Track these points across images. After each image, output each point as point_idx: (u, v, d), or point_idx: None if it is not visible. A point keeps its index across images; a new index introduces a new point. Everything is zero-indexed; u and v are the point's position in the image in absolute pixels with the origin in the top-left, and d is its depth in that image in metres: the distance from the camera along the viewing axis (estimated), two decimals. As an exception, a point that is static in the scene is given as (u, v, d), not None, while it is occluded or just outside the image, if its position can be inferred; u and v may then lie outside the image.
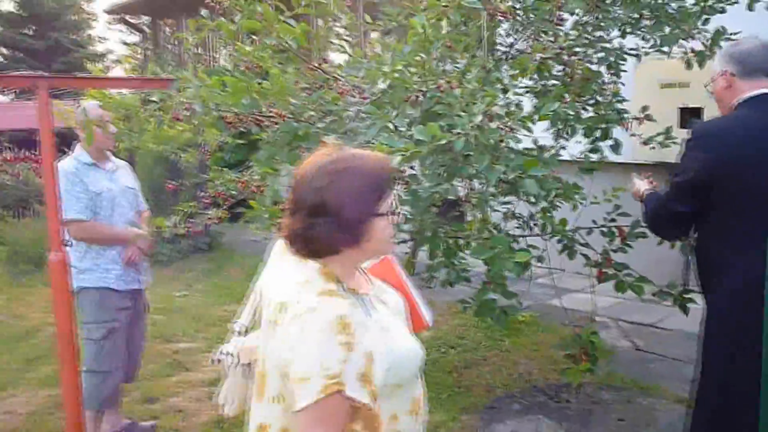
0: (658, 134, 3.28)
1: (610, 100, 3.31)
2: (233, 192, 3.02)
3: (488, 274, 3.08)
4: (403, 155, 2.05)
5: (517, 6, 3.09)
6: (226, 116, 2.61)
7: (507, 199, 3.32)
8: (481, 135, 2.23)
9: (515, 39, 3.34)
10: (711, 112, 5.24)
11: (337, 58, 3.73)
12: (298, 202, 1.48)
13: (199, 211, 3.07)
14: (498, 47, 3.53)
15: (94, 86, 2.38)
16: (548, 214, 3.24)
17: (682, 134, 3.34)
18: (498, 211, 3.52)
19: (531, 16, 3.10)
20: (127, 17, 18.11)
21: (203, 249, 8.20)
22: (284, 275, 1.52)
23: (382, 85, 2.45)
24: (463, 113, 2.24)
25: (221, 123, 2.62)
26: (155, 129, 3.05)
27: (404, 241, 3.65)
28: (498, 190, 2.75)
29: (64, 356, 2.72)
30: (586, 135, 3.25)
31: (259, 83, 2.57)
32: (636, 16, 3.00)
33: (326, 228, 1.44)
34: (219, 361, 1.72)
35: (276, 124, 2.70)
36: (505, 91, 2.53)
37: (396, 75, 2.44)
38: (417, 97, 2.47)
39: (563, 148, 3.33)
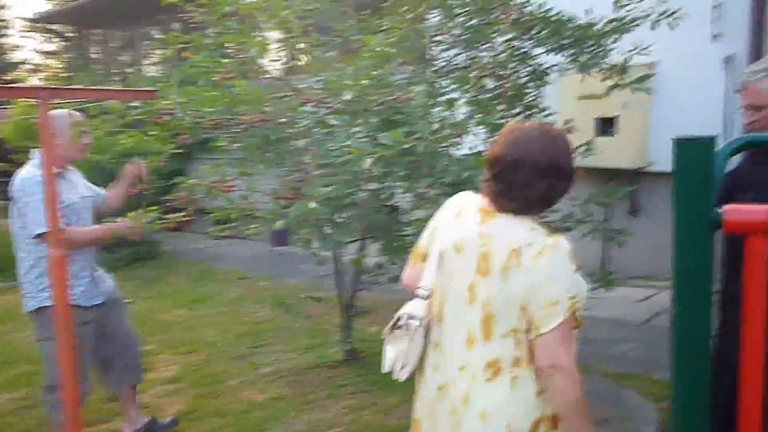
0: (581, 145, 3.68)
1: (537, 112, 3.70)
2: (195, 196, 3.21)
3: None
4: (373, 158, 2.37)
5: (458, 28, 3.46)
6: (202, 121, 2.85)
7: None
8: (435, 141, 2.58)
9: (454, 54, 3.69)
10: (625, 121, 5.84)
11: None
12: (522, 164, 1.72)
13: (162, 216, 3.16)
14: (436, 61, 3.89)
15: (91, 97, 2.57)
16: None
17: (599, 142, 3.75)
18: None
19: (469, 35, 3.47)
20: (52, 26, 17.70)
21: (144, 258, 8.24)
22: (495, 229, 1.76)
23: (346, 96, 2.76)
24: (420, 121, 2.58)
25: (197, 128, 2.86)
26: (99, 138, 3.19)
27: (354, 240, 3.93)
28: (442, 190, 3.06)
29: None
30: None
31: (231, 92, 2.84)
32: (560, 42, 3.39)
33: (563, 186, 1.76)
34: (399, 326, 1.91)
35: (246, 129, 2.95)
36: (451, 103, 2.88)
37: (359, 88, 2.76)
38: (377, 106, 2.79)
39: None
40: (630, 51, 3.57)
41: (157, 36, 15.69)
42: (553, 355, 1.69)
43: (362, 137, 2.56)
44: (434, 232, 1.96)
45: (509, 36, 3.37)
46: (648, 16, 3.53)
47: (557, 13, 3.37)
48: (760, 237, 1.30)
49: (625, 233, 3.65)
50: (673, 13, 3.65)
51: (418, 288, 1.94)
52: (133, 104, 2.85)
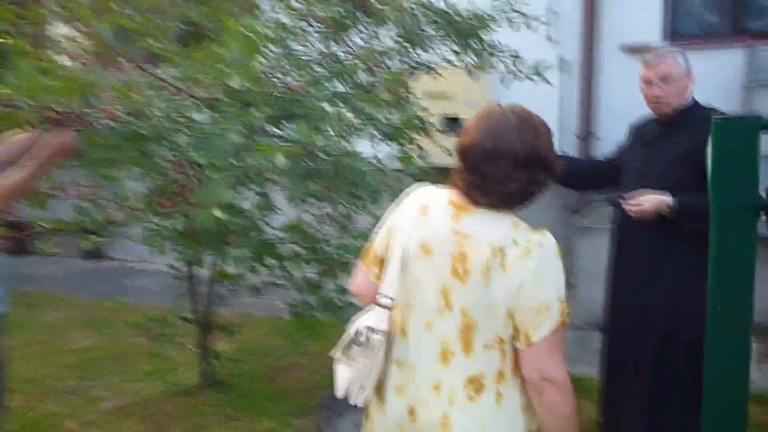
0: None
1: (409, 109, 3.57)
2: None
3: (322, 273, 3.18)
4: (284, 155, 2.04)
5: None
6: (51, 114, 2.32)
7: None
8: (341, 136, 2.31)
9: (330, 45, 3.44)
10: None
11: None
12: (500, 154, 1.50)
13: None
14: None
15: None
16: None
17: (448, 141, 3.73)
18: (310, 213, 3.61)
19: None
20: None
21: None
22: (472, 226, 1.54)
23: (235, 84, 2.39)
24: (326, 114, 2.29)
25: (45, 122, 2.32)
26: None
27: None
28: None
29: None
30: (392, 140, 3.48)
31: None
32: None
33: (545, 179, 1.55)
34: (359, 343, 1.61)
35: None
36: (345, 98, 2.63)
37: (250, 74, 2.40)
38: (271, 96, 2.46)
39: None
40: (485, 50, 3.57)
41: None
42: (544, 366, 1.52)
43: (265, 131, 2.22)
44: (392, 232, 1.69)
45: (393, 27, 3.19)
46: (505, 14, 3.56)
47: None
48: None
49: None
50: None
51: (379, 297, 1.67)
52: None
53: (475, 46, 3.30)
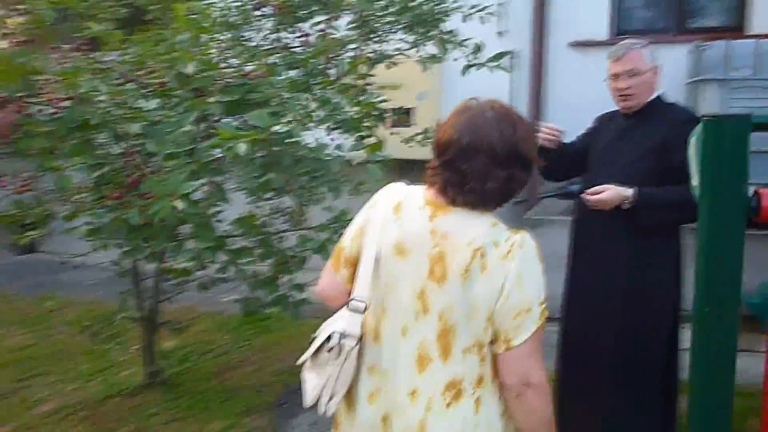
0: (417, 134, 3.56)
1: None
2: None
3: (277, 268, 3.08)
4: (246, 142, 1.94)
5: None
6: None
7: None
8: (303, 125, 2.22)
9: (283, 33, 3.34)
10: (422, 112, 5.89)
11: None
12: (478, 150, 1.44)
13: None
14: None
15: None
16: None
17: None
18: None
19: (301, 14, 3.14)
20: None
21: None
22: (450, 225, 1.48)
23: (188, 69, 2.26)
24: (288, 101, 2.20)
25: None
26: None
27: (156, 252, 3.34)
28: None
29: None
30: (349, 131, 3.41)
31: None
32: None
33: (524, 177, 1.48)
34: (329, 348, 1.53)
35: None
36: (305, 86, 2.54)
37: (205, 59, 2.29)
38: (226, 83, 2.35)
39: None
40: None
41: None
42: (524, 370, 1.46)
43: (220, 119, 2.11)
44: (363, 232, 1.61)
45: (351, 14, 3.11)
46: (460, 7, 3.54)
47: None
48: (798, 220, 1.21)
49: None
50: (484, 8, 3.71)
51: (353, 300, 1.58)
52: None
53: (432, 36, 3.24)
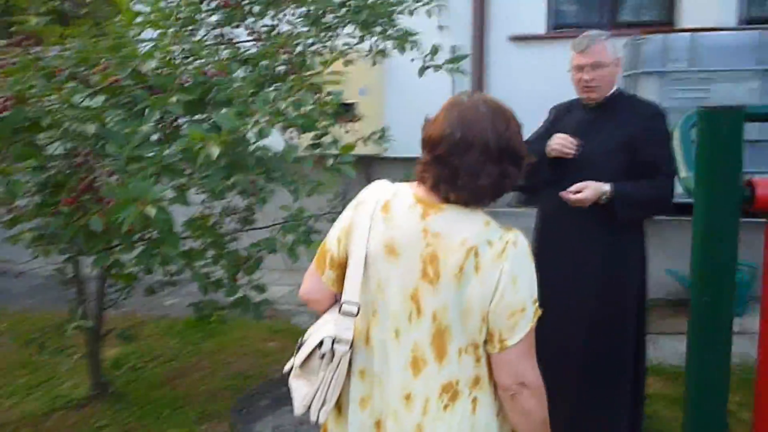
0: (374, 132, 3.53)
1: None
2: None
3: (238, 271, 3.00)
4: (218, 145, 1.86)
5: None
6: None
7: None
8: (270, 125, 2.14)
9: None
10: (363, 107, 5.85)
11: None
12: (471, 145, 1.41)
13: None
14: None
15: None
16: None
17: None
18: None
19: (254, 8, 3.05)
20: None
21: None
22: (443, 224, 1.45)
23: (147, 67, 2.16)
24: (254, 99, 2.13)
25: None
26: None
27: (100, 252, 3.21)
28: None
29: None
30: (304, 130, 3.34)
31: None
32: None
33: (516, 173, 1.45)
34: (321, 354, 1.48)
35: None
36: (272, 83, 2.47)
37: (163, 57, 2.18)
38: (184, 82, 2.25)
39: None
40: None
41: None
42: (519, 371, 1.46)
43: (176, 119, 2.03)
44: (350, 233, 1.56)
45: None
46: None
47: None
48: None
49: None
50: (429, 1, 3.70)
51: (344, 303, 1.53)
52: None
53: (390, 36, 3.21)
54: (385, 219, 1.51)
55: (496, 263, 1.42)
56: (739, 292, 3.96)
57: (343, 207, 1.61)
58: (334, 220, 3.46)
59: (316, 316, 1.66)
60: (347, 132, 3.55)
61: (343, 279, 1.56)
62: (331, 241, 1.61)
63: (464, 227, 1.45)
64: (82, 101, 2.20)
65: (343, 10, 3.13)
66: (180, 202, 2.22)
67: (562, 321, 2.57)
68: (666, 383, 3.66)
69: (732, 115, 1.22)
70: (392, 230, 1.50)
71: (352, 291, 1.52)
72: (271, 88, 2.52)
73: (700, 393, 1.32)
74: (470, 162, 1.43)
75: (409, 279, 1.47)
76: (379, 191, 1.58)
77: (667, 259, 4.72)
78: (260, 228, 3.52)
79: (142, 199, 1.75)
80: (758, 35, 4.49)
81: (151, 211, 1.69)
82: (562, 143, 2.56)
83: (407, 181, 3.46)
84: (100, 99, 2.24)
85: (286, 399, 3.45)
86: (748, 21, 5.29)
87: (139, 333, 4.58)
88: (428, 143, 1.50)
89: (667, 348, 4.05)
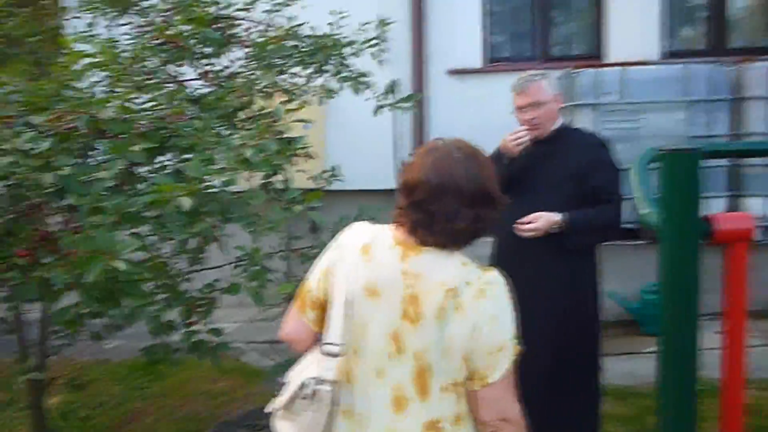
0: (325, 171, 3.55)
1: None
2: None
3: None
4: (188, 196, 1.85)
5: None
6: None
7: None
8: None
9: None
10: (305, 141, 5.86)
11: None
12: (446, 191, 1.47)
13: None
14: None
15: None
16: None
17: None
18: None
19: (206, 49, 3.05)
20: None
21: None
22: (421, 266, 1.50)
23: (106, 114, 2.13)
24: (218, 146, 2.13)
25: None
26: None
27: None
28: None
29: None
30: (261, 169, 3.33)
31: None
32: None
33: (492, 215, 1.52)
34: (304, 396, 1.51)
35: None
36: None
37: (122, 103, 2.17)
38: (143, 128, 2.23)
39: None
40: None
41: None
42: (500, 407, 1.51)
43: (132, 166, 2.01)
44: (330, 273, 1.60)
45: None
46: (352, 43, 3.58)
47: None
48: (745, 245, 1.35)
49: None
50: (376, 43, 3.78)
51: (326, 344, 1.56)
52: None
53: (346, 77, 3.27)
54: (365, 261, 1.55)
55: (475, 303, 1.47)
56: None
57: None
58: (286, 258, 3.48)
59: (297, 356, 1.69)
60: (298, 171, 3.56)
61: (324, 319, 1.60)
62: (312, 282, 1.64)
63: (443, 269, 1.50)
64: (32, 148, 2.16)
65: (296, 52, 3.17)
66: (142, 250, 2.19)
67: (527, 346, 2.66)
68: (615, 403, 3.78)
69: (690, 157, 1.32)
70: (373, 272, 1.54)
71: (333, 332, 1.56)
72: (229, 133, 2.52)
73: (670, 412, 1.41)
74: (445, 207, 1.49)
75: (390, 319, 1.51)
76: (358, 234, 1.62)
77: (607, 281, 4.91)
78: (212, 268, 3.48)
79: (109, 252, 1.72)
80: (682, 68, 4.78)
81: (120, 265, 1.67)
82: (512, 137, 2.69)
83: (357, 215, 3.51)
84: (46, 143, 2.20)
85: (253, 438, 3.44)
86: (670, 54, 5.62)
87: (84, 379, 4.43)
88: (405, 189, 1.55)
89: (613, 369, 4.18)
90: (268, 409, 1.63)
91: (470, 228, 1.52)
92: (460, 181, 1.49)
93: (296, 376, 1.58)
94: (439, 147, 1.55)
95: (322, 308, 1.61)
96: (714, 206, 4.66)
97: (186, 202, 1.79)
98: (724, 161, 4.84)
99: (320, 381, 1.53)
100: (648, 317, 4.84)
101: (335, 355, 1.54)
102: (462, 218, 1.50)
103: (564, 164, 2.66)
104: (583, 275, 2.68)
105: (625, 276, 4.91)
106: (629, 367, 4.26)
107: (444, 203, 1.49)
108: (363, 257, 1.56)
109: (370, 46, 3.72)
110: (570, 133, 2.79)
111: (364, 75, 3.32)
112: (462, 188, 1.49)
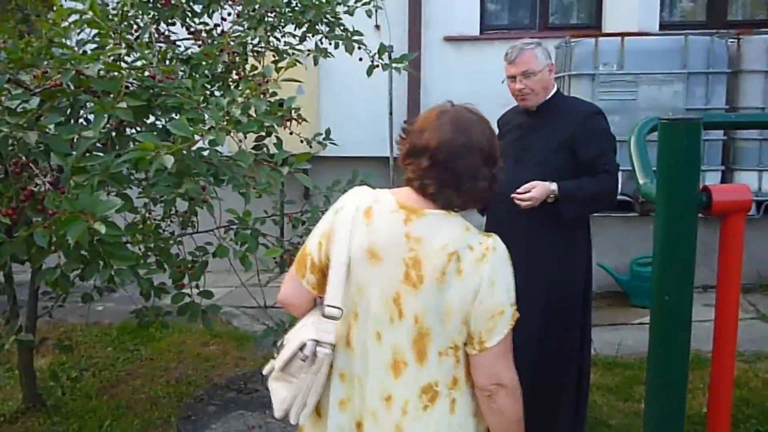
0: (318, 134, 3.50)
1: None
2: None
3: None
4: (171, 154, 1.82)
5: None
6: None
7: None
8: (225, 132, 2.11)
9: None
10: (300, 106, 5.80)
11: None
12: (470, 150, 1.48)
13: None
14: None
15: None
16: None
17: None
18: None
19: (196, 6, 3.00)
20: None
21: None
22: (425, 229, 1.50)
23: (92, 70, 2.08)
24: (208, 105, 2.10)
25: None
26: None
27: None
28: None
29: None
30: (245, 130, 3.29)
31: None
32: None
33: (498, 177, 1.53)
34: (303, 358, 1.50)
35: None
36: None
37: (109, 60, 2.12)
38: (130, 87, 2.19)
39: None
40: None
41: None
42: (496, 372, 1.51)
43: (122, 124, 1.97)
44: (330, 238, 1.58)
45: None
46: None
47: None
48: (742, 216, 1.33)
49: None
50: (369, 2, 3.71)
51: (327, 306, 1.55)
52: None
53: (338, 36, 3.21)
54: (367, 224, 1.54)
55: (476, 267, 1.47)
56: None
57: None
58: (278, 222, 3.45)
59: (293, 318, 1.70)
60: (291, 134, 3.52)
61: (324, 283, 1.59)
62: (312, 245, 1.62)
63: (445, 232, 1.50)
64: (19, 105, 2.12)
65: (288, 9, 3.11)
66: (126, 209, 2.16)
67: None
68: (601, 373, 3.81)
69: (691, 127, 1.29)
70: (374, 235, 1.53)
71: (334, 295, 1.55)
72: (219, 93, 2.48)
73: (660, 383, 1.41)
74: (470, 166, 1.50)
75: (390, 282, 1.51)
76: (359, 197, 1.60)
77: (597, 253, 4.92)
78: (203, 232, 3.45)
79: (90, 214, 1.69)
80: (682, 40, 4.73)
81: (101, 227, 1.64)
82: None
83: (352, 179, 3.47)
84: (35, 101, 2.16)
85: (233, 404, 3.47)
86: (669, 26, 5.56)
87: (73, 341, 4.43)
88: (424, 151, 1.52)
89: (601, 339, 4.21)
90: (265, 371, 1.63)
91: (488, 188, 1.54)
92: (481, 139, 1.51)
93: (294, 337, 1.57)
94: (450, 109, 1.55)
95: (322, 272, 1.60)
96: (708, 179, 4.65)
97: (168, 161, 1.75)
98: (718, 134, 4.83)
99: (319, 343, 1.52)
100: (637, 289, 4.85)
101: (335, 318, 1.54)
102: (483, 177, 1.52)
103: (558, 133, 2.63)
104: (575, 247, 2.67)
105: (614, 248, 4.92)
106: (618, 337, 4.29)
107: (468, 162, 1.50)
108: (365, 220, 1.54)
109: (364, 4, 3.65)
110: (564, 102, 2.75)
111: (358, 33, 3.25)
112: (483, 147, 1.51)
